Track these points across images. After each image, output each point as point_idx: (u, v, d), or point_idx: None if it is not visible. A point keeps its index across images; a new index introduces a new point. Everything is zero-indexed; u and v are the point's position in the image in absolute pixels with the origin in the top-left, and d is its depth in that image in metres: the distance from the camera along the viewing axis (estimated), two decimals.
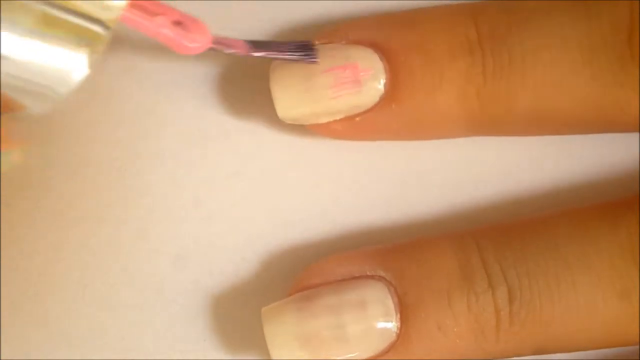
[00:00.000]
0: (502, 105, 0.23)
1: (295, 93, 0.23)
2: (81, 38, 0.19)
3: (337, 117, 0.23)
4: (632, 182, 0.25)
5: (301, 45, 0.23)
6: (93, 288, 0.25)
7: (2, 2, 0.18)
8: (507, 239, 0.23)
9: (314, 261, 0.25)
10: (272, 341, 0.23)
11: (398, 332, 0.22)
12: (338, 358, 0.22)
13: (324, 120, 0.23)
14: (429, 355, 0.22)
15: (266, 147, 0.25)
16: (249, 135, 0.25)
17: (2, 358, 0.25)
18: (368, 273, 0.23)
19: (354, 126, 0.23)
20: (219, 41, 0.21)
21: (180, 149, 0.25)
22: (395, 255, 0.23)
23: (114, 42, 0.25)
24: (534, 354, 0.23)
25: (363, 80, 0.23)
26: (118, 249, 0.25)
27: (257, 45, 0.22)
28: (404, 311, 0.22)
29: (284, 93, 0.23)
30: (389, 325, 0.22)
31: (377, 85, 0.23)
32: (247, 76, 0.25)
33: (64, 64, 0.19)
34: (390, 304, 0.22)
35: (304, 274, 0.24)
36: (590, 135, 0.25)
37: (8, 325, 0.25)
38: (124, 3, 0.19)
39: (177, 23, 0.20)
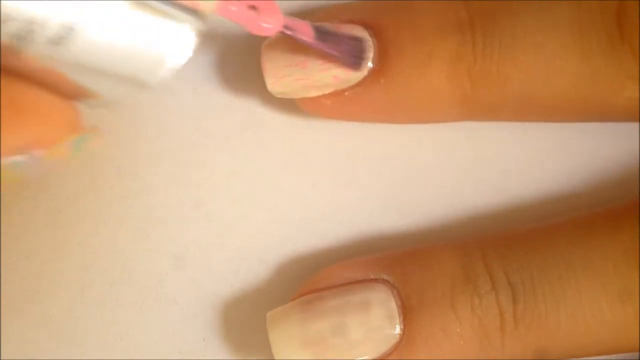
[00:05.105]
0: (493, 86, 0.22)
1: (285, 65, 0.23)
2: (180, 25, 0.18)
3: (326, 91, 0.23)
4: (633, 181, 0.25)
5: (356, 42, 0.23)
6: (93, 288, 0.25)
7: None
8: (511, 246, 0.23)
9: (313, 261, 0.25)
10: (277, 344, 0.23)
11: (401, 334, 0.22)
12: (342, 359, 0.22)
13: (313, 94, 0.23)
14: (432, 358, 0.22)
15: (266, 147, 0.25)
16: (248, 135, 0.25)
17: (2, 358, 0.25)
18: (372, 277, 0.23)
19: (343, 101, 0.23)
20: (290, 25, 0.21)
21: (180, 148, 0.25)
22: (399, 261, 0.23)
23: None
24: (537, 358, 0.23)
25: None
26: (118, 249, 0.25)
27: (319, 32, 0.22)
28: (408, 314, 0.22)
29: (273, 65, 0.23)
30: (392, 327, 0.22)
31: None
32: (247, 75, 0.25)
33: (158, 49, 0.18)
34: (393, 306, 0.22)
35: (308, 281, 0.24)
36: (591, 135, 0.25)
37: (8, 325, 0.25)
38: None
39: (252, 7, 0.20)
